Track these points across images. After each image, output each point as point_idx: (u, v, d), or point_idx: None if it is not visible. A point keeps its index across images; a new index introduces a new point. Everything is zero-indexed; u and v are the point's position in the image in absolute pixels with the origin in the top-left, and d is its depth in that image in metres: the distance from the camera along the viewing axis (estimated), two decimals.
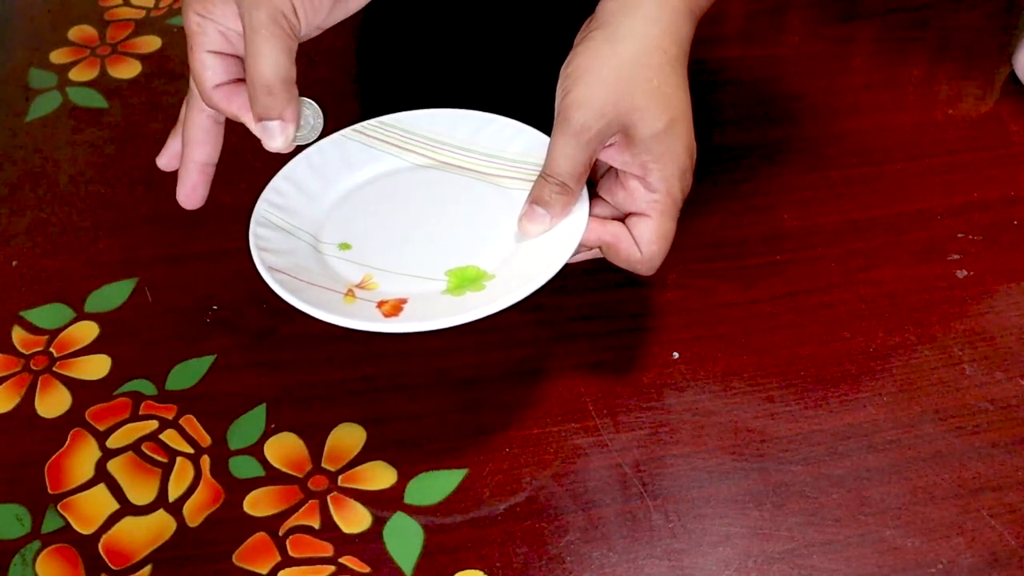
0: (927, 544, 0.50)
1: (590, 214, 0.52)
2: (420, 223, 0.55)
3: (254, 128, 0.51)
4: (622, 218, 0.52)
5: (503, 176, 0.57)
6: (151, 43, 0.81)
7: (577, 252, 0.52)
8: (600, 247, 0.53)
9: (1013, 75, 0.76)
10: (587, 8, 0.53)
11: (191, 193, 0.54)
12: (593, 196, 0.53)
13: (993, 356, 0.58)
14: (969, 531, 0.51)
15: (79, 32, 0.82)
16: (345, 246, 0.54)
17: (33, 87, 0.77)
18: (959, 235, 0.65)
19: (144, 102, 0.76)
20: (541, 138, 0.56)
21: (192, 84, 0.52)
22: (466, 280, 0.51)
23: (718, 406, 0.56)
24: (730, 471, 0.53)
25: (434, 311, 0.49)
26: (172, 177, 0.55)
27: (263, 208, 0.54)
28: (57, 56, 0.80)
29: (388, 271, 0.52)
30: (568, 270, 0.51)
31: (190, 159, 0.54)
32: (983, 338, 0.59)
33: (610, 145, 0.51)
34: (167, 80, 0.78)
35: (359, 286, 0.51)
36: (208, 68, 0.50)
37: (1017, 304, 0.61)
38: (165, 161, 0.56)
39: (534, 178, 0.52)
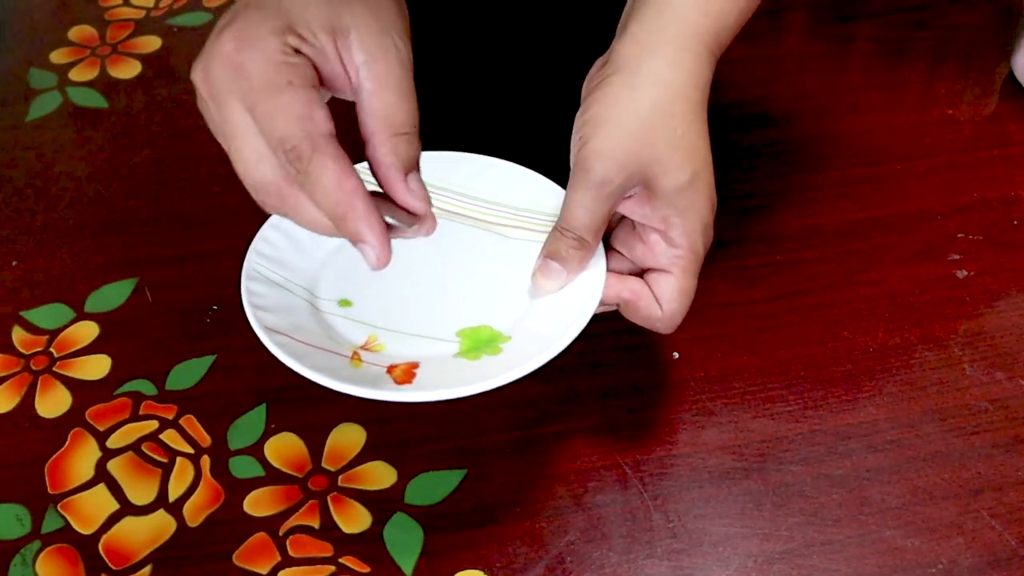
0: (927, 544, 0.50)
1: (607, 269, 0.49)
2: (422, 277, 0.52)
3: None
4: (640, 272, 0.50)
5: (505, 225, 0.54)
6: (151, 43, 0.81)
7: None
8: (618, 304, 0.50)
9: (1013, 75, 0.76)
10: (594, 45, 0.51)
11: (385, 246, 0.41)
12: (608, 248, 0.50)
13: (993, 356, 0.58)
14: (969, 531, 0.51)
15: (79, 32, 0.82)
16: (345, 303, 0.50)
17: (33, 87, 0.77)
18: (959, 235, 0.65)
19: (144, 102, 0.76)
20: (545, 184, 0.53)
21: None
22: (480, 342, 0.48)
23: (718, 406, 0.56)
24: (730, 471, 0.53)
25: (450, 378, 0.45)
26: (172, 178, 0.55)
27: (253, 259, 0.50)
28: (57, 56, 0.80)
29: (394, 331, 0.49)
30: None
31: (365, 212, 0.40)
32: (983, 338, 0.59)
33: (629, 197, 0.48)
34: (167, 80, 0.78)
35: (364, 348, 0.48)
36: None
37: (1017, 304, 0.61)
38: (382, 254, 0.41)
39: (538, 227, 0.50)
